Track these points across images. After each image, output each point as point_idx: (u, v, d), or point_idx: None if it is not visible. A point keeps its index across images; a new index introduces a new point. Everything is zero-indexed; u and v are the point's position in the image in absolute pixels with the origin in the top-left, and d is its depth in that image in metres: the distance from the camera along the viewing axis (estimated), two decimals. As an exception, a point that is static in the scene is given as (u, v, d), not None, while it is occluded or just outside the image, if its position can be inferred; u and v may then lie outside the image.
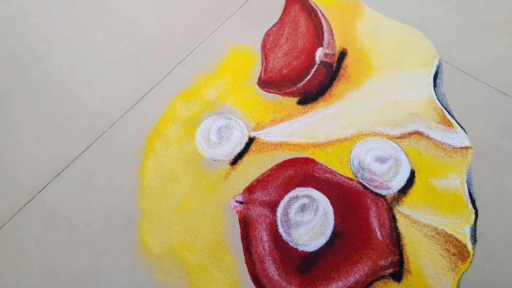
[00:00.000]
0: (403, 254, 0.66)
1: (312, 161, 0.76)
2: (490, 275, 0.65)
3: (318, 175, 0.74)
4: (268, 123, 0.81)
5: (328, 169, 0.75)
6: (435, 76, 0.84)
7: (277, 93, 0.84)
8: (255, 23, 0.95)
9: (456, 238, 0.67)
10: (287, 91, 0.85)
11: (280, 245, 0.68)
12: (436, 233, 0.68)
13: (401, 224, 0.69)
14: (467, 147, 0.76)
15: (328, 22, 0.93)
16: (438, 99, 0.81)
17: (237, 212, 0.72)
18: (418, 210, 0.70)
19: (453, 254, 0.66)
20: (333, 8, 0.96)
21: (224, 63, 0.89)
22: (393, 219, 0.70)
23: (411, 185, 0.72)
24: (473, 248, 0.66)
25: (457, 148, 0.75)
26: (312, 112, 0.82)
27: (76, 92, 0.87)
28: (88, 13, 1.00)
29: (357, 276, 0.65)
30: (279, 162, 0.76)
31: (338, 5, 0.96)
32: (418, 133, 0.78)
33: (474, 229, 0.68)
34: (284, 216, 0.71)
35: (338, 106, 0.82)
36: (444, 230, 0.68)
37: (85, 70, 0.91)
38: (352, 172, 0.74)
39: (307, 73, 0.86)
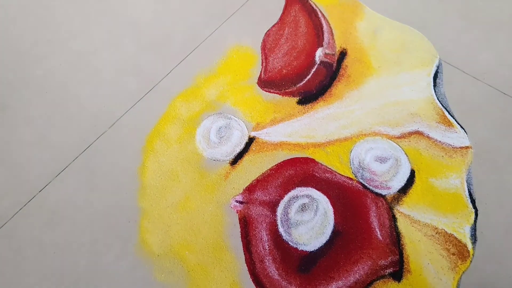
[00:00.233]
0: (403, 253, 0.66)
1: (312, 161, 0.76)
2: (490, 275, 0.65)
3: (318, 175, 0.74)
4: (268, 123, 0.81)
5: (328, 169, 0.75)
6: (435, 76, 0.84)
7: (277, 93, 0.84)
8: (255, 23, 0.95)
9: (456, 238, 0.67)
10: (287, 91, 0.85)
11: (280, 245, 0.68)
12: (436, 233, 0.68)
13: (401, 224, 0.69)
14: (467, 147, 0.76)
15: (328, 22, 0.93)
16: (438, 99, 0.81)
17: (237, 212, 0.72)
18: (418, 209, 0.70)
19: (453, 254, 0.66)
20: (333, 8, 0.96)
21: (224, 63, 0.89)
22: (393, 218, 0.70)
23: (411, 185, 0.72)
24: (473, 248, 0.66)
25: (457, 148, 0.76)
26: (312, 112, 0.82)
27: (76, 92, 0.87)
28: (89, 13, 1.00)
29: (357, 276, 0.65)
30: (279, 162, 0.76)
31: (338, 5, 0.96)
32: (418, 133, 0.78)
33: (474, 228, 0.68)
34: (284, 215, 0.71)
35: (338, 106, 0.82)
36: (444, 230, 0.68)
37: (85, 70, 0.91)
38: (352, 172, 0.74)
39: (307, 73, 0.87)
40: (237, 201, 0.73)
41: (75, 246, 0.70)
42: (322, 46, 0.90)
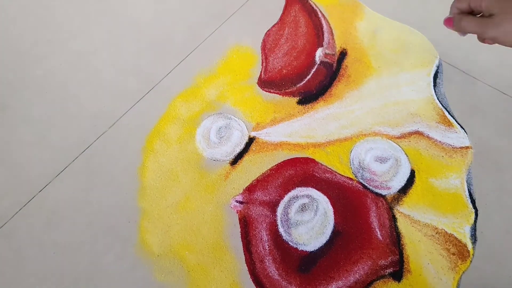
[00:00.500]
0: (403, 253, 0.67)
1: (312, 161, 0.76)
2: (490, 275, 0.65)
3: (318, 175, 0.74)
4: (268, 123, 0.81)
5: (328, 169, 0.75)
6: (435, 76, 0.84)
7: (277, 93, 0.84)
8: (255, 23, 0.95)
9: (456, 238, 0.67)
10: (287, 91, 0.85)
11: (280, 245, 0.68)
12: (436, 233, 0.68)
13: (401, 224, 0.69)
14: (467, 147, 0.76)
15: (328, 22, 0.93)
16: (438, 99, 0.81)
17: (237, 212, 0.72)
18: (418, 209, 0.70)
19: (453, 254, 0.66)
20: (333, 8, 0.96)
21: (224, 63, 0.89)
22: (393, 218, 0.70)
23: (411, 185, 0.72)
24: (473, 248, 0.66)
25: (457, 148, 0.76)
26: (312, 112, 0.82)
27: (76, 92, 0.87)
28: (89, 13, 1.00)
29: (357, 276, 0.65)
30: (279, 162, 0.76)
31: (338, 5, 0.96)
32: (418, 133, 0.78)
33: (474, 228, 0.68)
34: (284, 215, 0.71)
35: (338, 106, 0.82)
36: (444, 230, 0.68)
37: (85, 70, 0.91)
38: (352, 172, 0.74)
39: (307, 73, 0.87)
40: (237, 201, 0.73)
41: (75, 246, 0.70)
42: (322, 46, 0.90)
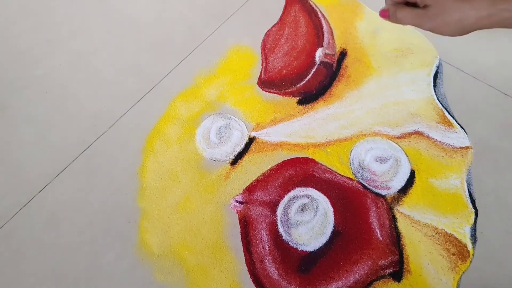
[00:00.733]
0: (403, 253, 0.66)
1: (312, 161, 0.76)
2: (490, 275, 0.65)
3: (318, 175, 0.74)
4: (268, 123, 0.81)
5: (328, 169, 0.75)
6: (435, 76, 0.84)
7: (277, 93, 0.84)
8: (255, 23, 0.95)
9: (456, 238, 0.67)
10: (287, 91, 0.85)
11: (280, 245, 0.68)
12: (436, 233, 0.68)
13: (401, 224, 0.69)
14: (467, 147, 0.76)
15: (328, 22, 0.93)
16: (438, 99, 0.81)
17: (237, 212, 0.72)
18: (418, 210, 0.70)
19: (453, 254, 0.66)
20: (333, 8, 0.96)
21: (224, 63, 0.89)
22: (393, 219, 0.70)
23: (411, 185, 0.72)
24: (473, 248, 0.66)
25: (457, 148, 0.75)
26: (312, 112, 0.82)
27: (76, 92, 0.87)
28: (89, 13, 1.00)
29: (357, 276, 0.65)
30: (279, 162, 0.76)
31: (338, 5, 0.96)
32: (418, 133, 0.78)
33: (474, 228, 0.68)
34: (284, 216, 0.71)
35: (338, 106, 0.82)
36: (444, 230, 0.68)
37: (85, 70, 0.91)
38: (352, 172, 0.74)
39: (307, 73, 0.87)
40: (237, 201, 0.73)
41: (75, 246, 0.70)
42: (322, 46, 0.90)
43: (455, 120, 0.78)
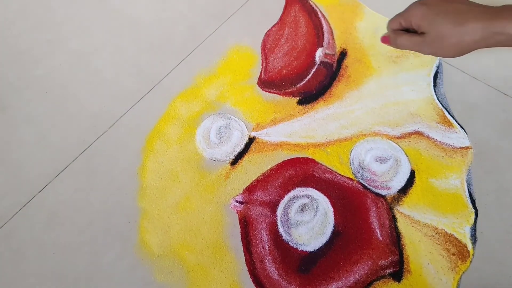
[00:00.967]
0: (403, 253, 0.67)
1: (312, 161, 0.76)
2: (490, 275, 0.65)
3: (318, 175, 0.74)
4: (268, 123, 0.81)
5: (328, 169, 0.75)
6: (435, 76, 0.84)
7: (277, 93, 0.84)
8: (255, 23, 0.95)
9: (456, 238, 0.67)
10: (287, 91, 0.85)
11: (280, 245, 0.68)
12: (436, 233, 0.68)
13: (401, 224, 0.69)
14: (467, 147, 0.76)
15: (328, 22, 0.93)
16: (438, 99, 0.81)
17: (237, 212, 0.72)
18: (418, 210, 0.70)
19: (453, 254, 0.66)
20: (333, 8, 0.96)
21: (224, 63, 0.89)
22: (393, 219, 0.70)
23: (411, 185, 0.72)
24: (473, 248, 0.66)
25: (457, 148, 0.76)
26: (312, 112, 0.82)
27: (76, 92, 0.87)
28: (89, 13, 1.00)
29: (357, 276, 0.65)
30: (279, 162, 0.76)
31: (338, 5, 0.96)
32: (418, 133, 0.78)
33: (474, 229, 0.68)
34: (284, 216, 0.71)
35: (338, 106, 0.82)
36: (444, 230, 0.68)
37: (85, 70, 0.91)
38: (352, 172, 0.74)
39: (307, 73, 0.87)
40: (237, 201, 0.73)
41: (75, 246, 0.70)
42: (322, 46, 0.90)
43: (455, 120, 0.78)
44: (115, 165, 0.78)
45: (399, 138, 0.77)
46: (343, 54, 0.89)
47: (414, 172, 0.74)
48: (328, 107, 0.82)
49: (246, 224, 0.71)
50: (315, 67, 0.87)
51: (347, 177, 0.74)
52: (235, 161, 0.77)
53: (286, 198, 0.72)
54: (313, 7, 0.96)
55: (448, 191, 0.71)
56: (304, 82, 0.85)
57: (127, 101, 0.85)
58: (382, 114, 0.80)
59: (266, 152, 0.78)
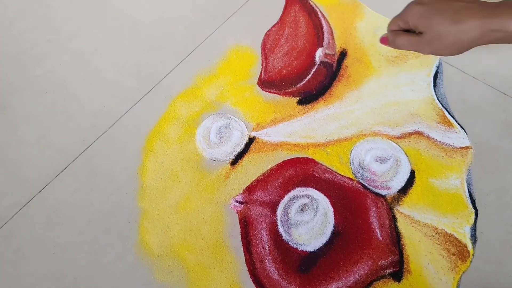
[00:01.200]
0: (403, 253, 0.67)
1: (312, 161, 0.76)
2: (490, 275, 0.65)
3: (318, 175, 0.74)
4: (268, 123, 0.81)
5: (328, 169, 0.75)
6: (435, 76, 0.84)
7: (277, 93, 0.84)
8: (255, 23, 0.95)
9: (456, 238, 0.67)
10: (287, 91, 0.85)
11: (280, 245, 0.68)
12: (436, 233, 0.68)
13: (401, 224, 0.69)
14: (467, 147, 0.76)
15: (328, 22, 0.93)
16: (438, 99, 0.81)
17: (237, 212, 0.72)
18: (418, 210, 0.70)
19: (453, 254, 0.66)
20: (333, 8, 0.96)
21: (224, 63, 0.89)
22: (393, 219, 0.70)
23: (411, 185, 0.73)
24: (473, 248, 0.66)
25: (457, 148, 0.76)
26: (312, 112, 0.82)
27: (76, 92, 0.87)
28: (89, 13, 1.00)
29: (357, 276, 0.65)
30: (279, 162, 0.76)
31: (338, 5, 0.96)
32: (418, 133, 0.78)
33: (474, 229, 0.68)
34: (284, 216, 0.71)
35: (338, 106, 0.82)
36: (444, 230, 0.68)
37: (85, 70, 0.91)
38: (352, 172, 0.75)
39: (307, 73, 0.87)
40: (237, 201, 0.73)
41: (75, 246, 0.70)
42: (322, 46, 0.90)
43: (455, 120, 0.78)
44: (115, 165, 0.78)
45: (399, 138, 0.77)
46: (343, 54, 0.89)
47: (414, 172, 0.74)
48: (328, 107, 0.82)
49: (246, 224, 0.71)
50: (315, 67, 0.87)
51: (347, 177, 0.74)
52: (235, 161, 0.77)
53: (286, 198, 0.72)
54: (313, 7, 0.96)
55: (448, 191, 0.71)
56: (304, 82, 0.85)
57: (127, 101, 0.85)
58: (382, 114, 0.80)
59: (266, 152, 0.78)
